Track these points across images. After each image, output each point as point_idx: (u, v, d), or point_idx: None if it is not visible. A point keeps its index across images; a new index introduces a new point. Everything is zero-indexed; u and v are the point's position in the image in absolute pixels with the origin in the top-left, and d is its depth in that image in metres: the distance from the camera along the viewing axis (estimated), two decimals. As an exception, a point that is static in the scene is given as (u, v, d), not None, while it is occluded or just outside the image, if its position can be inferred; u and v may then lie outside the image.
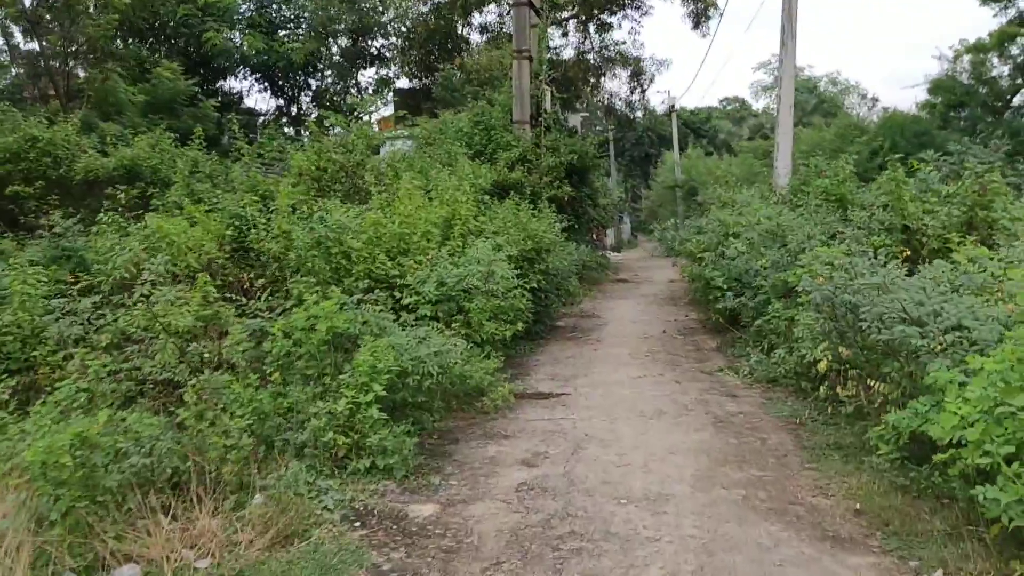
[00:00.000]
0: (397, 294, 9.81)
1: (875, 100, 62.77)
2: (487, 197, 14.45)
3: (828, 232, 11.70)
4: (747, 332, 12.16)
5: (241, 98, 33.21)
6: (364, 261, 10.00)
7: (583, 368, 11.37)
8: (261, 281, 10.15)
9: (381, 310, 9.37)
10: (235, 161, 16.87)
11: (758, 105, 64.14)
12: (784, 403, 8.97)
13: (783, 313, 9.83)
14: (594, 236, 29.80)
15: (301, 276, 9.76)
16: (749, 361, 10.87)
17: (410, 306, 9.75)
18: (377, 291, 9.98)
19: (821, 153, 17.70)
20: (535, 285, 12.67)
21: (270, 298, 9.27)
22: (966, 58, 37.77)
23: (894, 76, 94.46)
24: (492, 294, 10.23)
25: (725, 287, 12.57)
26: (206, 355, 8.58)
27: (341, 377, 7.67)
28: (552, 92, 22.48)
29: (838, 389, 7.72)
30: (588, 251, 22.16)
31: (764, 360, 10.24)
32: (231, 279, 10.17)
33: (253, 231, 10.29)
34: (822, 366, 7.56)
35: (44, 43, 23.70)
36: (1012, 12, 36.57)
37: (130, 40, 29.11)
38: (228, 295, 9.25)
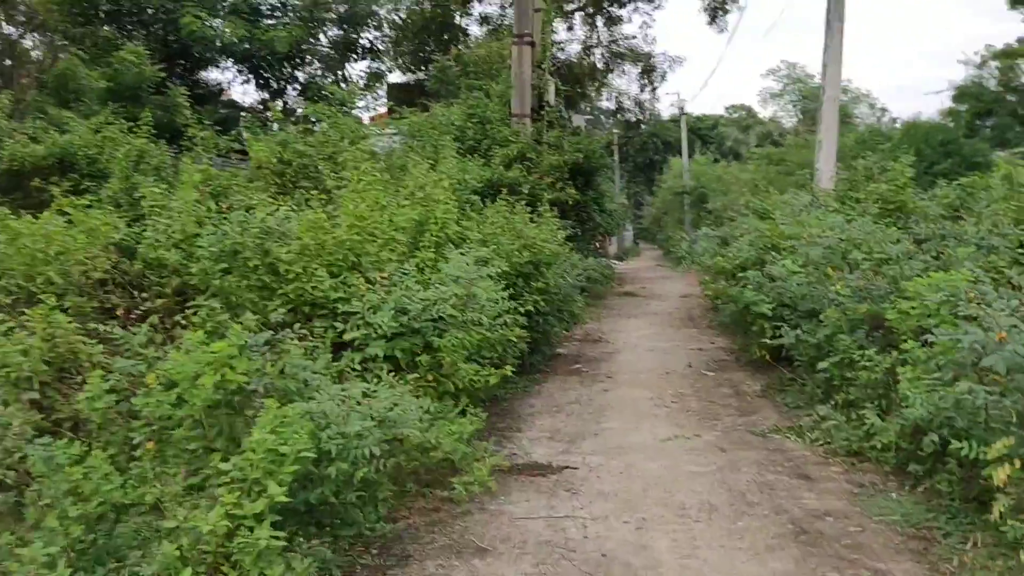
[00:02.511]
0: (340, 325, 6.92)
1: (884, 110, 59.99)
2: (475, 198, 11.54)
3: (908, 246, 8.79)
4: (801, 373, 9.24)
5: (222, 90, 30.35)
6: (296, 279, 7.10)
7: (592, 421, 8.43)
8: (159, 303, 7.26)
9: (312, 350, 6.49)
10: (187, 151, 13.98)
11: (765, 113, 61.35)
12: (887, 495, 6.04)
13: (876, 361, 6.89)
14: (597, 245, 26.92)
15: (208, 298, 6.88)
16: (814, 418, 7.96)
17: (356, 343, 6.85)
18: (314, 321, 7.11)
19: (868, 155, 14.78)
20: (532, 308, 9.76)
21: (154, 330, 6.38)
22: (993, 64, 34.96)
23: (900, 87, 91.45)
24: (473, 324, 7.32)
25: (771, 313, 9.65)
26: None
27: (225, 465, 4.83)
28: (557, 84, 19.60)
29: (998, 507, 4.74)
30: (595, 263, 19.23)
31: (842, 422, 7.30)
32: (115, 302, 7.28)
33: (147, 236, 7.40)
34: (1000, 475, 4.56)
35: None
36: (1042, 16, 33.78)
37: (105, 26, 26.32)
38: (104, 325, 6.38)
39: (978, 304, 5.88)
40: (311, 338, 6.75)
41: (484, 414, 7.02)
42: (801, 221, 10.56)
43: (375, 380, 6.38)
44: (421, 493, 6.19)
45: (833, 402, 7.84)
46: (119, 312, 6.75)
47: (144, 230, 7.58)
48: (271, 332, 6.27)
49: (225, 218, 7.39)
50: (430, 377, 7.04)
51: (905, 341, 6.82)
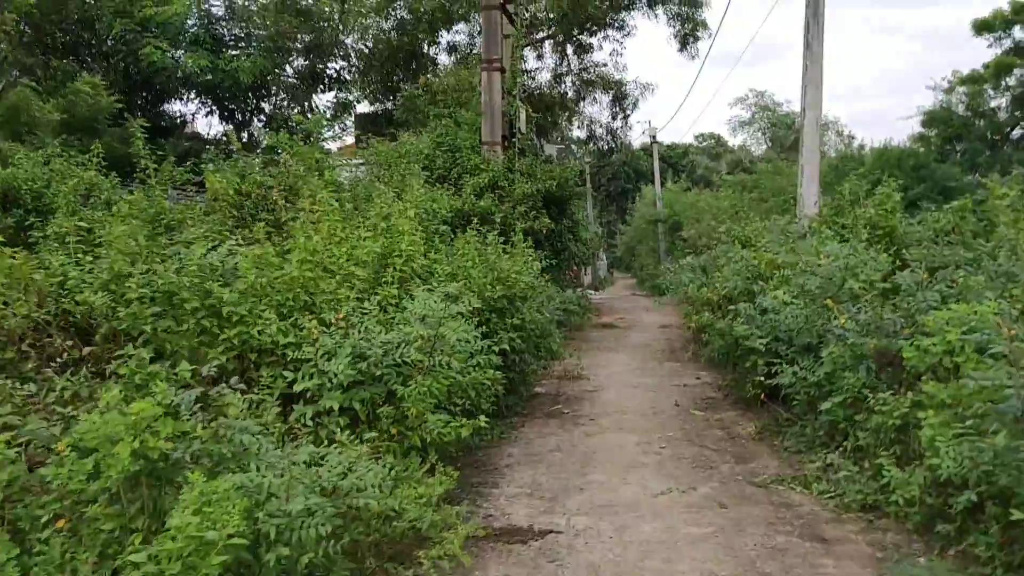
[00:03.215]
0: (290, 374, 6.06)
1: (851, 137, 60.25)
2: (445, 228, 10.76)
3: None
4: (799, 413, 8.48)
5: (186, 123, 29.46)
6: (241, 322, 6.23)
7: (576, 473, 7.59)
8: (87, 352, 6.36)
9: (257, 404, 5.65)
10: (140, 184, 13.08)
11: (735, 141, 61.35)
12: (915, 561, 5.26)
13: (892, 405, 6.13)
14: (571, 274, 26.20)
15: (139, 346, 6.00)
16: (819, 465, 7.19)
17: (309, 394, 5.99)
18: (261, 370, 6.26)
19: (853, 178, 14.20)
20: (507, 347, 8.95)
21: (72, 381, 5.51)
22: (961, 90, 34.93)
23: (870, 114, 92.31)
24: (442, 368, 6.49)
25: (764, 349, 8.91)
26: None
27: (137, 557, 4.01)
28: (528, 111, 18.90)
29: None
30: (574, 295, 18.46)
31: (854, 472, 6.52)
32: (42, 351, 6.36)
33: (72, 276, 6.49)
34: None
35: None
36: (1007, 43, 33.83)
37: (64, 58, 25.40)
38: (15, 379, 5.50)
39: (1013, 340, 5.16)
40: (257, 390, 5.92)
41: (455, 472, 6.17)
42: (794, 248, 9.86)
43: (329, 438, 5.56)
44: (384, 570, 5.31)
45: (840, 448, 7.08)
46: (31, 365, 5.82)
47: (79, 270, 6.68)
48: (210, 385, 5.47)
49: (162, 255, 6.55)
50: (393, 431, 6.20)
51: (921, 380, 6.11)
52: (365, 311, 6.72)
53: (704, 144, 64.26)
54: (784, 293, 9.17)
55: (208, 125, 34.06)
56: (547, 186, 17.23)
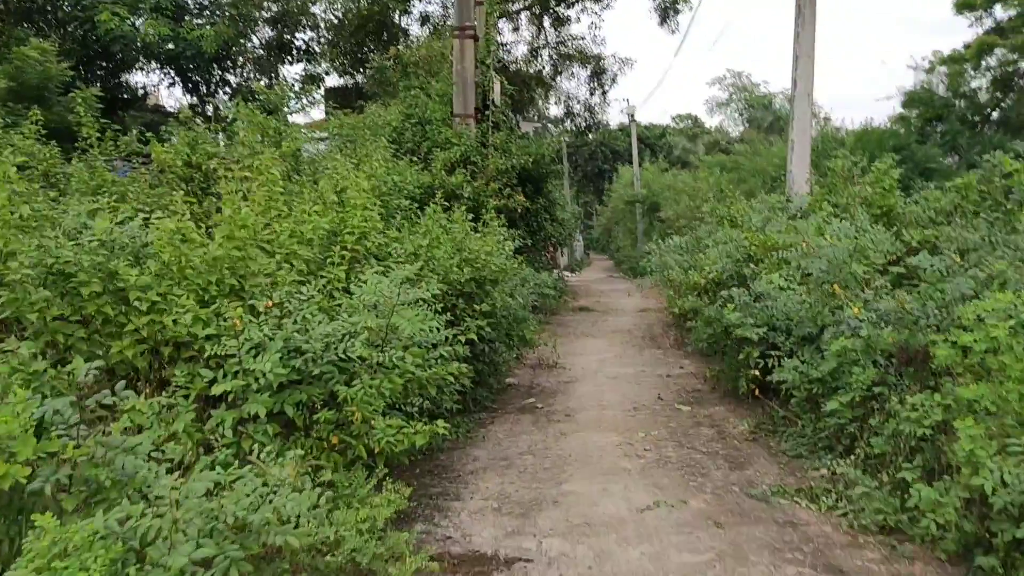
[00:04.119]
0: (209, 373, 5.02)
1: (827, 119, 59.59)
2: (408, 203, 9.70)
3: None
4: (798, 410, 7.55)
5: (147, 94, 28.05)
6: (152, 309, 5.17)
7: (550, 481, 6.60)
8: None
9: (167, 411, 4.64)
10: (82, 154, 11.89)
11: (712, 122, 60.45)
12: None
13: (924, 410, 5.19)
14: (548, 255, 25.19)
15: (25, 338, 4.94)
16: (824, 474, 6.29)
17: (231, 397, 4.95)
18: (176, 367, 5.22)
19: (844, 154, 13.29)
20: (475, 335, 7.94)
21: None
22: (941, 70, 34.16)
23: (847, 96, 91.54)
24: (394, 366, 5.48)
25: (758, 338, 7.98)
26: None
27: None
28: (502, 82, 17.80)
29: None
30: (549, 278, 17.45)
31: (872, 487, 5.59)
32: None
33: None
34: None
35: None
36: (989, 22, 33.07)
37: (17, 24, 23.90)
38: None
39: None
40: (165, 393, 4.88)
41: (407, 488, 5.17)
42: (795, 228, 8.91)
43: (258, 451, 4.54)
44: (314, 614, 4.31)
45: (850, 455, 6.16)
46: None
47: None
48: (121, 386, 4.43)
49: (63, 227, 5.47)
50: (334, 440, 5.19)
51: (952, 381, 5.19)
52: (305, 297, 5.66)
53: (682, 125, 63.35)
54: (780, 277, 8.22)
55: (172, 97, 32.56)
56: (522, 162, 16.20)
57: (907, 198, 11.69)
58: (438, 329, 6.43)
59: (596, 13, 26.43)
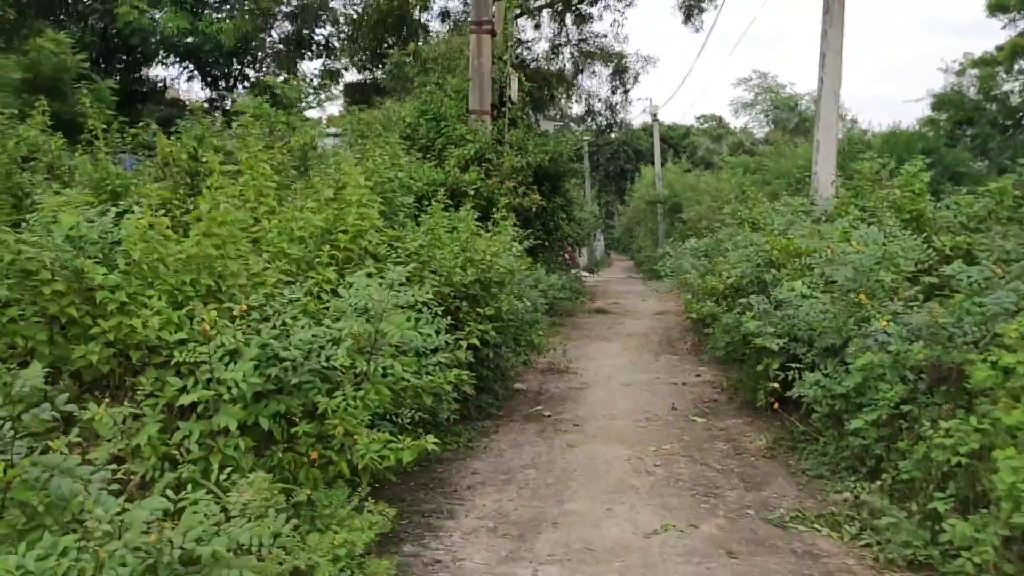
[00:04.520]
0: (177, 381, 4.62)
1: (854, 121, 58.63)
2: (411, 201, 9.27)
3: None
4: (819, 426, 7.05)
5: (166, 88, 27.92)
6: (121, 312, 4.78)
7: (552, 498, 6.15)
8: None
9: (132, 420, 4.26)
10: (87, 146, 11.61)
11: (737, 123, 59.60)
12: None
13: (961, 437, 4.68)
14: (566, 256, 24.73)
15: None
16: (847, 497, 5.80)
17: (200, 408, 4.55)
18: (145, 374, 4.83)
19: (872, 156, 12.73)
20: (477, 341, 7.50)
21: None
22: (972, 72, 33.28)
23: (874, 97, 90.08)
24: (380, 374, 5.06)
25: (778, 348, 7.48)
26: None
27: None
28: (520, 78, 17.36)
29: None
30: (562, 279, 17.00)
31: (901, 518, 5.08)
32: None
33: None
34: None
35: None
36: (1023, 24, 32.16)
37: (38, 17, 23.81)
38: None
39: None
40: (128, 403, 4.50)
41: (392, 509, 4.75)
42: (819, 232, 8.40)
43: (217, 473, 4.16)
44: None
45: (876, 479, 5.66)
46: None
47: None
48: (85, 392, 4.09)
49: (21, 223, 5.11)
50: (313, 455, 4.78)
51: (989, 402, 4.70)
52: (288, 299, 5.25)
53: (706, 126, 62.57)
54: (802, 284, 7.72)
55: (191, 92, 32.42)
56: (539, 160, 15.77)
57: (936, 203, 11.15)
58: (437, 333, 6.05)
59: (619, 11, 25.86)
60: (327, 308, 5.54)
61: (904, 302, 6.17)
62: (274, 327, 4.86)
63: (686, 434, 8.04)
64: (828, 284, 7.25)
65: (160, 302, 4.77)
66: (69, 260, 4.74)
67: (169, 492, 3.82)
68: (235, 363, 4.55)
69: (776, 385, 7.46)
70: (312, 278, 5.90)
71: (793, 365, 7.25)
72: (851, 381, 6.22)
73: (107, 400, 4.36)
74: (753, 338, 7.78)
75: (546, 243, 16.60)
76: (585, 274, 29.72)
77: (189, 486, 3.89)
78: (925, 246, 7.57)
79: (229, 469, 4.27)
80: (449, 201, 9.20)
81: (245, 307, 4.81)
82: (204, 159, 10.14)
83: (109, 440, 4.25)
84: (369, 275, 5.48)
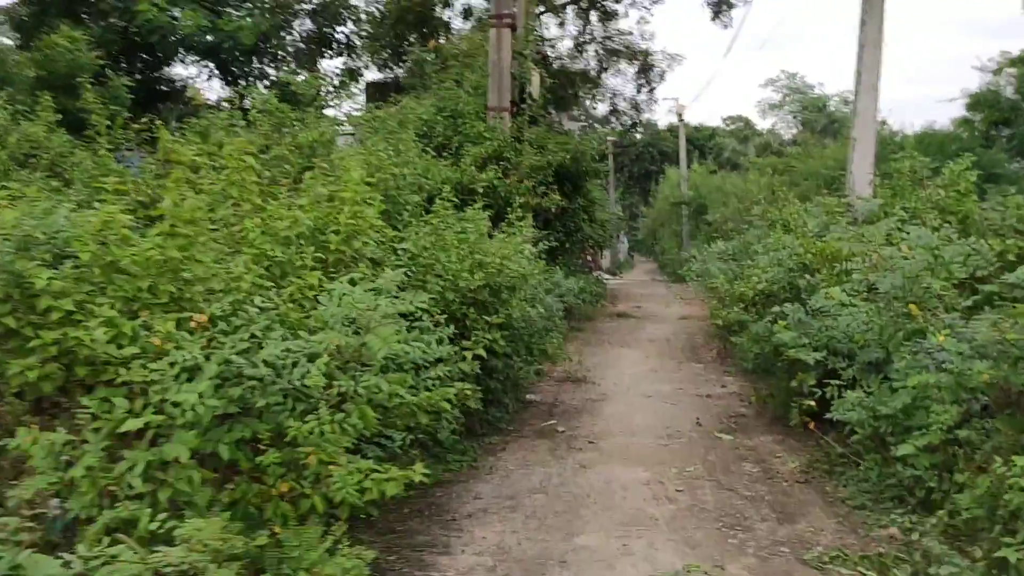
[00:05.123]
0: (125, 403, 4.00)
1: (883, 123, 57.17)
2: (417, 200, 8.63)
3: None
4: (860, 449, 6.32)
5: (186, 87, 27.59)
6: (66, 322, 4.17)
7: (560, 531, 5.48)
8: None
9: (71, 448, 3.65)
10: (89, 142, 11.13)
11: (764, 124, 58.44)
12: None
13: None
14: (588, 258, 24.00)
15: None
16: (895, 534, 5.08)
17: (150, 435, 3.93)
18: (95, 393, 4.22)
19: (914, 154, 11.95)
20: (482, 352, 6.84)
21: None
22: (1009, 72, 32.12)
23: (903, 99, 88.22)
24: (363, 394, 4.41)
25: (815, 362, 6.76)
26: None
27: None
28: (541, 74, 16.69)
29: None
30: (581, 282, 16.30)
31: (963, 568, 4.35)
32: None
33: None
34: None
35: None
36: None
37: (59, 15, 23.56)
38: None
39: None
40: (64, 428, 3.89)
41: (371, 552, 4.10)
42: (862, 235, 7.65)
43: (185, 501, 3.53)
44: None
45: (929, 512, 4.92)
46: None
47: None
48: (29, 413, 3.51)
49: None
50: (283, 487, 4.14)
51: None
52: (265, 307, 4.61)
53: (732, 127, 61.45)
54: (841, 291, 6.99)
55: (212, 91, 32.17)
56: (559, 159, 15.10)
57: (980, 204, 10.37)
58: (439, 343, 5.43)
59: (645, 7, 25.10)
60: (307, 318, 4.92)
61: (961, 313, 5.43)
62: (242, 340, 4.23)
63: (711, 454, 7.32)
64: (870, 291, 6.51)
65: (111, 311, 4.16)
66: (8, 262, 4.14)
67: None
68: (188, 384, 3.93)
69: (812, 402, 6.73)
70: (293, 283, 5.27)
71: (831, 381, 6.53)
72: (899, 401, 5.51)
73: (39, 424, 3.76)
74: (786, 350, 7.07)
75: (566, 245, 15.94)
76: (607, 276, 28.96)
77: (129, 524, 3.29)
78: (987, 251, 6.80)
79: (182, 506, 3.66)
80: (458, 199, 8.54)
81: (205, 317, 4.18)
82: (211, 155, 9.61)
83: (41, 473, 3.66)
84: (353, 281, 4.83)
